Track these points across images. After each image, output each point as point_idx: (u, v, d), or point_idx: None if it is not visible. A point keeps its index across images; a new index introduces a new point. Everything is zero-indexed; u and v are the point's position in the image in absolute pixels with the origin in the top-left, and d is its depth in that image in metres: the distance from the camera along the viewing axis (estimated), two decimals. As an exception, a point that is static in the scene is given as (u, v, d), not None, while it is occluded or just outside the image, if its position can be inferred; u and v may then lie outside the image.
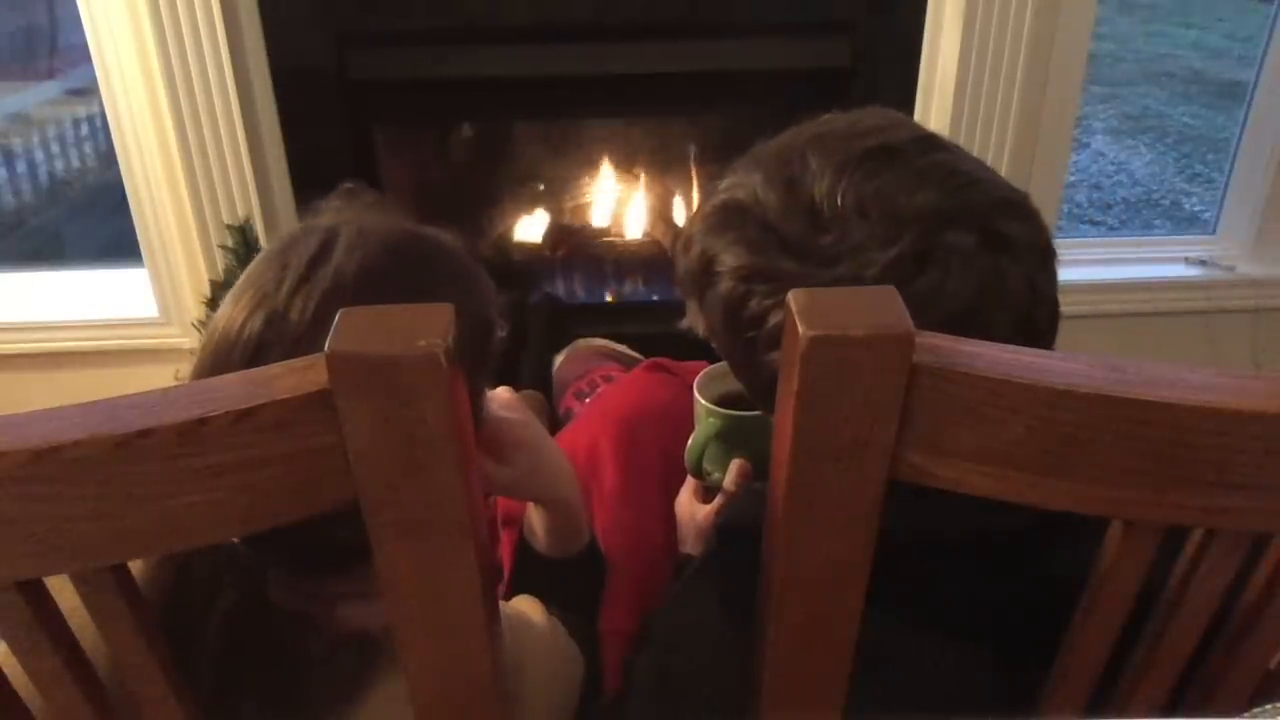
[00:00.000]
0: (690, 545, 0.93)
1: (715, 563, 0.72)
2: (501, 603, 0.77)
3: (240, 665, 0.63)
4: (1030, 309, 0.61)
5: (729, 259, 0.64)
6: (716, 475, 0.92)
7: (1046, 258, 0.63)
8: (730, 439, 0.91)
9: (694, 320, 0.72)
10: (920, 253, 0.59)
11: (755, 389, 0.68)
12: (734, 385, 0.96)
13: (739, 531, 0.69)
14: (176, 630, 0.61)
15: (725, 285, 0.64)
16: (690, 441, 0.93)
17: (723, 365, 0.94)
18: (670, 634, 0.70)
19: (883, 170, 0.61)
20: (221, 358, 0.60)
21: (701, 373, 0.96)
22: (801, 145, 0.65)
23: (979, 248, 0.60)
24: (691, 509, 0.94)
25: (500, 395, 0.79)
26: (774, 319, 0.62)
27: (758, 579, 0.57)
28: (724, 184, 0.68)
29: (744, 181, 0.66)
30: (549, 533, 0.83)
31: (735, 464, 0.88)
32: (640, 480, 1.07)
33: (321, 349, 0.53)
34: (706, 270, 0.66)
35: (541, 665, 0.73)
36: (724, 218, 0.66)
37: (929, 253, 0.59)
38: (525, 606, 0.78)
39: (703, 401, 0.92)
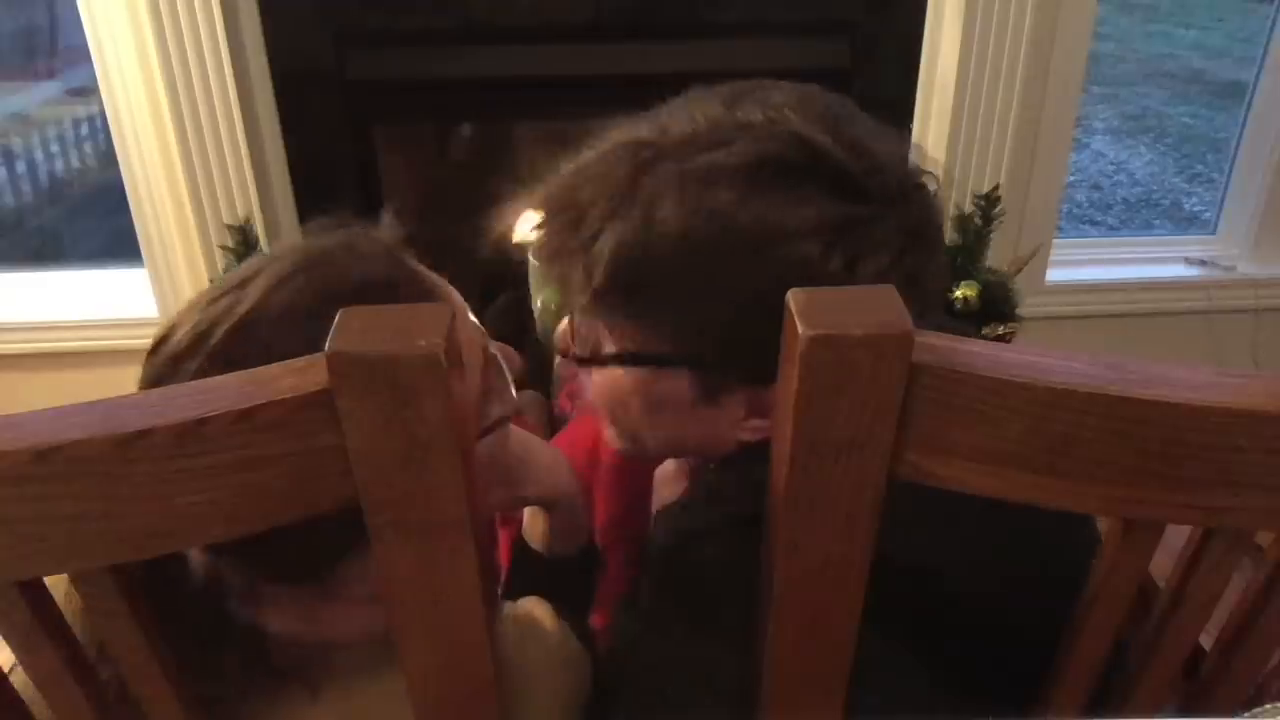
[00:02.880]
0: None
1: (674, 585, 0.69)
2: (510, 604, 0.76)
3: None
4: None
5: (803, 215, 0.58)
6: None
7: None
8: None
9: (638, 323, 0.64)
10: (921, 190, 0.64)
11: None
12: None
13: (685, 544, 0.68)
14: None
15: (801, 248, 0.58)
16: (537, 311, 0.86)
17: None
18: (646, 669, 0.68)
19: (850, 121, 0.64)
20: (152, 362, 0.59)
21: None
22: (786, 99, 0.63)
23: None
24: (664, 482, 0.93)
25: None
26: (865, 268, 0.59)
27: (722, 585, 0.56)
28: (706, 149, 0.61)
29: (767, 134, 0.60)
30: (550, 532, 0.83)
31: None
32: (641, 476, 1.07)
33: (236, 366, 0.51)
34: (764, 239, 0.58)
35: (549, 667, 0.72)
36: (765, 176, 0.59)
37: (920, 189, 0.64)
38: (532, 608, 0.77)
39: (538, 264, 0.85)
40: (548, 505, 0.81)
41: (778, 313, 0.53)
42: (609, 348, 0.68)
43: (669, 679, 0.66)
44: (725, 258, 0.59)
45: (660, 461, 0.85)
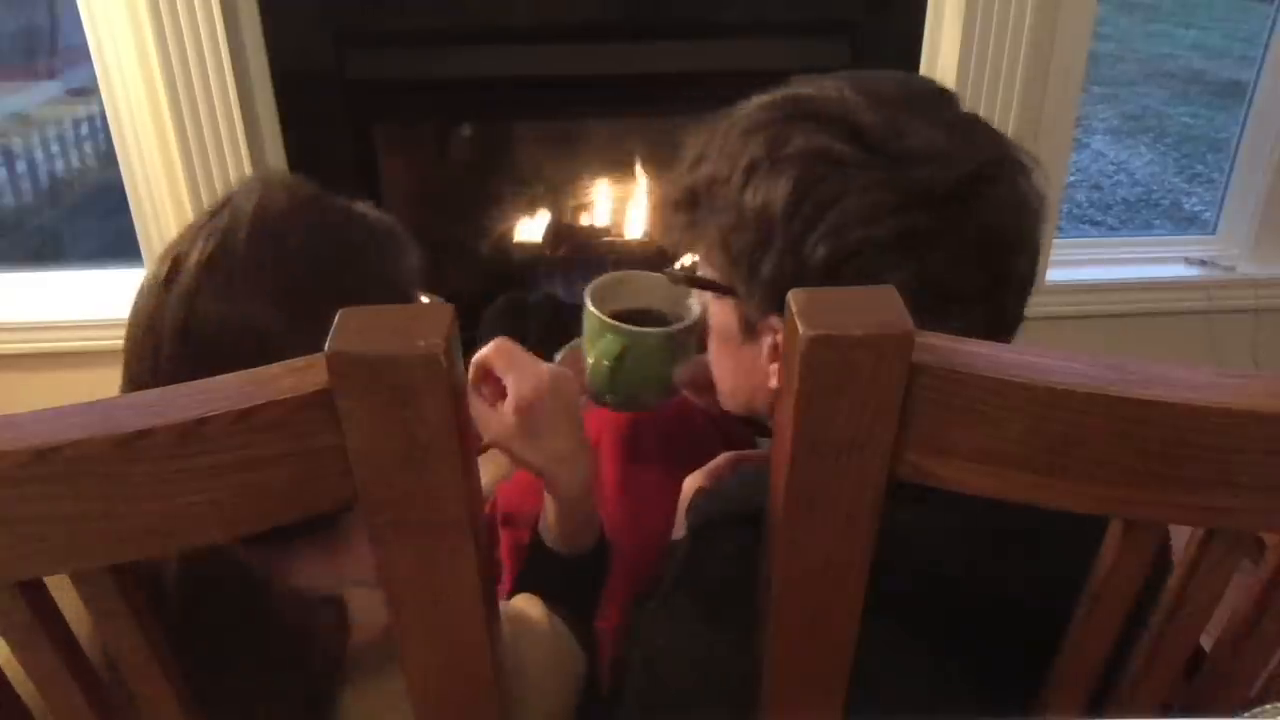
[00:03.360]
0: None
1: (691, 571, 0.69)
2: (501, 602, 0.76)
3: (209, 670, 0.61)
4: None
5: (804, 141, 0.63)
6: (612, 399, 0.86)
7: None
8: (633, 359, 0.83)
9: (694, 238, 0.71)
10: (990, 172, 0.64)
11: (776, 284, 0.65)
12: (631, 299, 0.88)
13: (712, 528, 0.68)
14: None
15: (797, 169, 0.63)
16: (590, 364, 0.84)
17: (618, 275, 0.90)
18: (657, 657, 0.68)
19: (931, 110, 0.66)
20: (136, 309, 0.64)
21: (594, 281, 0.86)
22: (848, 79, 0.67)
23: (1017, 184, 0.66)
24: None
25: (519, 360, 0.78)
26: (847, 201, 0.62)
27: (737, 577, 0.57)
28: (774, 94, 0.69)
29: (814, 90, 0.67)
30: (557, 525, 0.82)
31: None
32: (640, 475, 1.07)
33: (217, 287, 0.60)
34: (773, 152, 0.65)
35: (542, 665, 0.72)
36: (800, 109, 0.66)
37: (997, 172, 0.64)
38: (525, 606, 0.77)
39: (599, 315, 0.82)
40: (548, 483, 0.78)
41: (771, 237, 0.64)
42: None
43: (672, 671, 0.66)
44: (749, 168, 0.66)
45: (734, 415, 0.85)
